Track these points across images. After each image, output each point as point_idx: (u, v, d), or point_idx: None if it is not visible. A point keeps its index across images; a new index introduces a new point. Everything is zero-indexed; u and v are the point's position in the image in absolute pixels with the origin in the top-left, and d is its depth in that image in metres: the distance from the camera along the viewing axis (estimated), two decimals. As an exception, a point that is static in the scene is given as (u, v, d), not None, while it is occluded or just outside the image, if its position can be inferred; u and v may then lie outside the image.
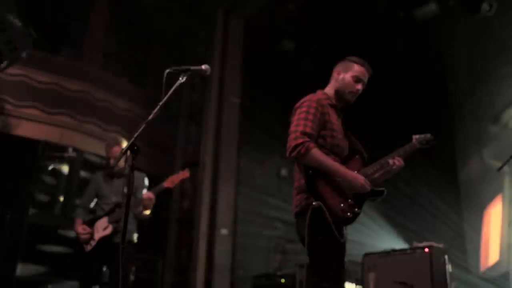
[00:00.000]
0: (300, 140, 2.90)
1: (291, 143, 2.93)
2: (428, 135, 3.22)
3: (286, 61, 8.45)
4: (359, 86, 3.20)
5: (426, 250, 4.92)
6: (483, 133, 7.14)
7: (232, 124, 8.48)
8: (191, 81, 8.65)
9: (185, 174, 4.80)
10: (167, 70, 2.87)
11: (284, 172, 8.47)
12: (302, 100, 3.12)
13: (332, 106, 3.18)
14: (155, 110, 2.79)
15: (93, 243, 4.70)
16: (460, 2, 6.89)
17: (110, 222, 4.69)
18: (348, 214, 2.92)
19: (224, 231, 7.93)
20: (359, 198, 2.98)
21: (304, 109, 3.04)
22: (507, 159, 4.45)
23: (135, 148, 2.73)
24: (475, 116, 7.29)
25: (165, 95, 2.82)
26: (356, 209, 2.94)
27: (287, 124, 3.24)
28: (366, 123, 6.25)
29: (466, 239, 6.92)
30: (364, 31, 7.59)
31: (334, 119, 3.14)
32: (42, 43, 6.95)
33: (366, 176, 3.04)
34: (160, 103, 2.81)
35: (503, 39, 6.85)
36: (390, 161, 3.09)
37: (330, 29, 7.86)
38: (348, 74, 3.19)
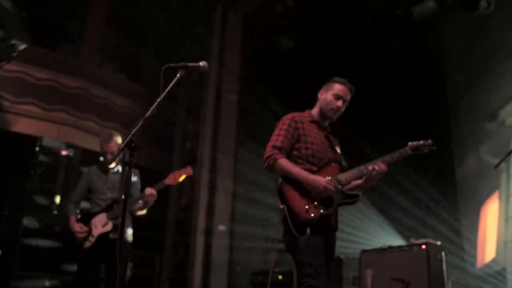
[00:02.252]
0: (269, 153, 3.31)
1: (264, 156, 3.34)
2: (429, 141, 3.23)
3: (284, 58, 8.43)
4: (339, 103, 3.48)
5: (423, 246, 4.93)
6: (480, 130, 7.13)
7: (230, 121, 8.47)
8: (189, 78, 8.64)
9: (188, 171, 4.64)
10: (165, 67, 2.87)
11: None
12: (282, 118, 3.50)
13: (313, 122, 3.51)
14: (153, 107, 2.78)
15: (92, 239, 4.61)
16: (458, -1, 6.90)
17: (109, 218, 4.61)
18: (312, 214, 3.14)
19: (221, 228, 7.94)
20: (328, 201, 3.20)
21: (279, 126, 3.45)
22: (504, 156, 4.47)
23: (133, 145, 2.71)
24: (472, 113, 7.29)
25: (163, 91, 2.81)
26: (322, 210, 3.16)
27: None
28: (362, 121, 6.24)
29: (463, 236, 6.93)
30: (362, 28, 7.59)
31: (313, 133, 3.45)
32: (40, 40, 6.96)
33: (339, 181, 3.23)
34: (158, 100, 2.80)
35: (501, 36, 6.84)
36: (370, 167, 3.18)
37: (329, 25, 7.85)
38: (329, 93, 3.51)
